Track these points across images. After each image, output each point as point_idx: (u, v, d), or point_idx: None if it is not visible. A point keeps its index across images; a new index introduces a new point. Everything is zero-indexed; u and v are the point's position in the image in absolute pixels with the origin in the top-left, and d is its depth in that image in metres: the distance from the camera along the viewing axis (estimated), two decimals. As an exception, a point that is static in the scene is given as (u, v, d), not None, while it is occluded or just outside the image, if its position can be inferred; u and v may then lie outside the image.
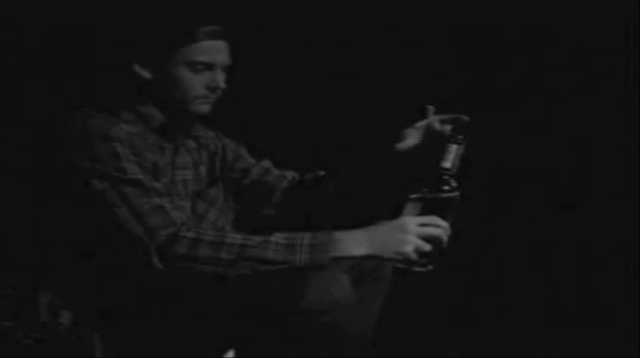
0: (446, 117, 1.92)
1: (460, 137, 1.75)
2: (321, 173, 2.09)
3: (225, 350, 1.82)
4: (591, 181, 2.82)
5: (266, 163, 2.13)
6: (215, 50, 1.84)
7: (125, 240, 1.65)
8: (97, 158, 1.69)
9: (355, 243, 1.63)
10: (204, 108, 1.87)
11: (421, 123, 1.95)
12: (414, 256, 1.62)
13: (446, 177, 1.71)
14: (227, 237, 1.64)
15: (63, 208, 1.75)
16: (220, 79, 1.85)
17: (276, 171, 2.11)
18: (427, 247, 1.63)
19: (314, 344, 1.62)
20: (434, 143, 1.86)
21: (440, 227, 1.65)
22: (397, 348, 2.63)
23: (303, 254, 1.60)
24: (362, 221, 1.70)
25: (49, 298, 1.79)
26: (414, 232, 1.62)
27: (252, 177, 2.08)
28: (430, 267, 1.65)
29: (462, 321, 2.84)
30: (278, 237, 1.64)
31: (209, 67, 1.83)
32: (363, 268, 1.88)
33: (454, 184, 1.71)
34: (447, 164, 1.72)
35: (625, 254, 2.80)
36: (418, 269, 1.65)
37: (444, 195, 1.69)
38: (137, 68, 1.83)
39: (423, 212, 1.67)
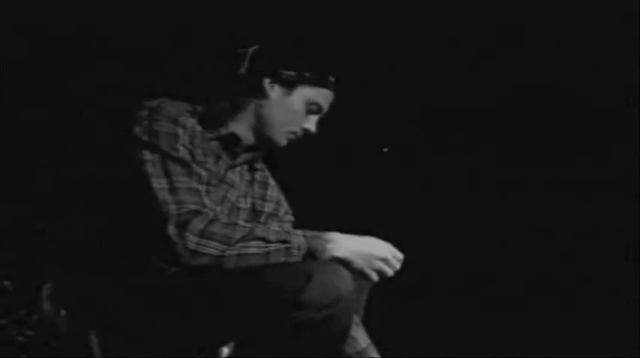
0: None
1: None
2: None
3: (225, 344, 1.83)
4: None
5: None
6: (329, 100, 1.98)
7: (151, 207, 1.71)
8: (156, 133, 1.77)
9: (343, 246, 1.74)
10: (284, 142, 1.97)
11: None
12: (375, 276, 1.76)
13: None
14: (240, 222, 1.77)
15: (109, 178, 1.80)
16: (316, 125, 1.97)
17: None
18: (390, 273, 1.77)
19: (312, 338, 1.62)
20: None
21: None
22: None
23: (301, 238, 1.73)
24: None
25: (52, 292, 1.76)
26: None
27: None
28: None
29: (460, 320, 2.85)
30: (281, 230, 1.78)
31: (318, 112, 1.96)
32: None
33: None
34: None
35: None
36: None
37: None
38: (266, 84, 1.91)
39: None
